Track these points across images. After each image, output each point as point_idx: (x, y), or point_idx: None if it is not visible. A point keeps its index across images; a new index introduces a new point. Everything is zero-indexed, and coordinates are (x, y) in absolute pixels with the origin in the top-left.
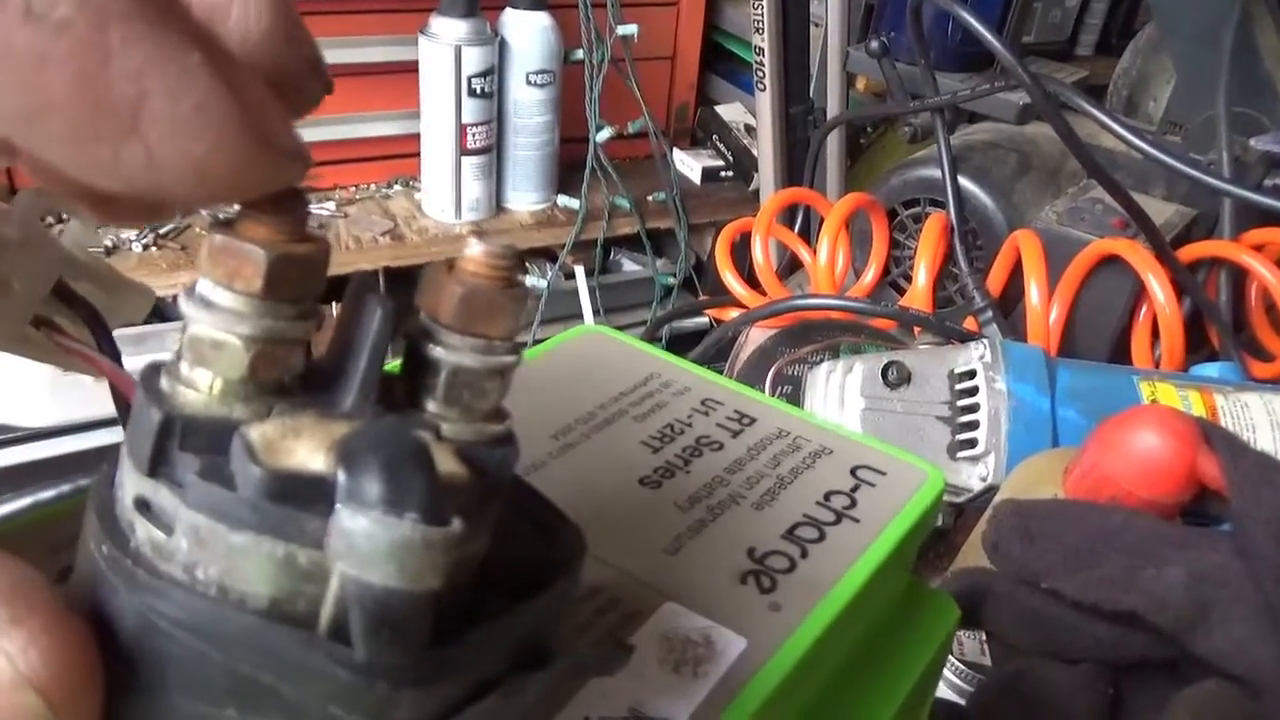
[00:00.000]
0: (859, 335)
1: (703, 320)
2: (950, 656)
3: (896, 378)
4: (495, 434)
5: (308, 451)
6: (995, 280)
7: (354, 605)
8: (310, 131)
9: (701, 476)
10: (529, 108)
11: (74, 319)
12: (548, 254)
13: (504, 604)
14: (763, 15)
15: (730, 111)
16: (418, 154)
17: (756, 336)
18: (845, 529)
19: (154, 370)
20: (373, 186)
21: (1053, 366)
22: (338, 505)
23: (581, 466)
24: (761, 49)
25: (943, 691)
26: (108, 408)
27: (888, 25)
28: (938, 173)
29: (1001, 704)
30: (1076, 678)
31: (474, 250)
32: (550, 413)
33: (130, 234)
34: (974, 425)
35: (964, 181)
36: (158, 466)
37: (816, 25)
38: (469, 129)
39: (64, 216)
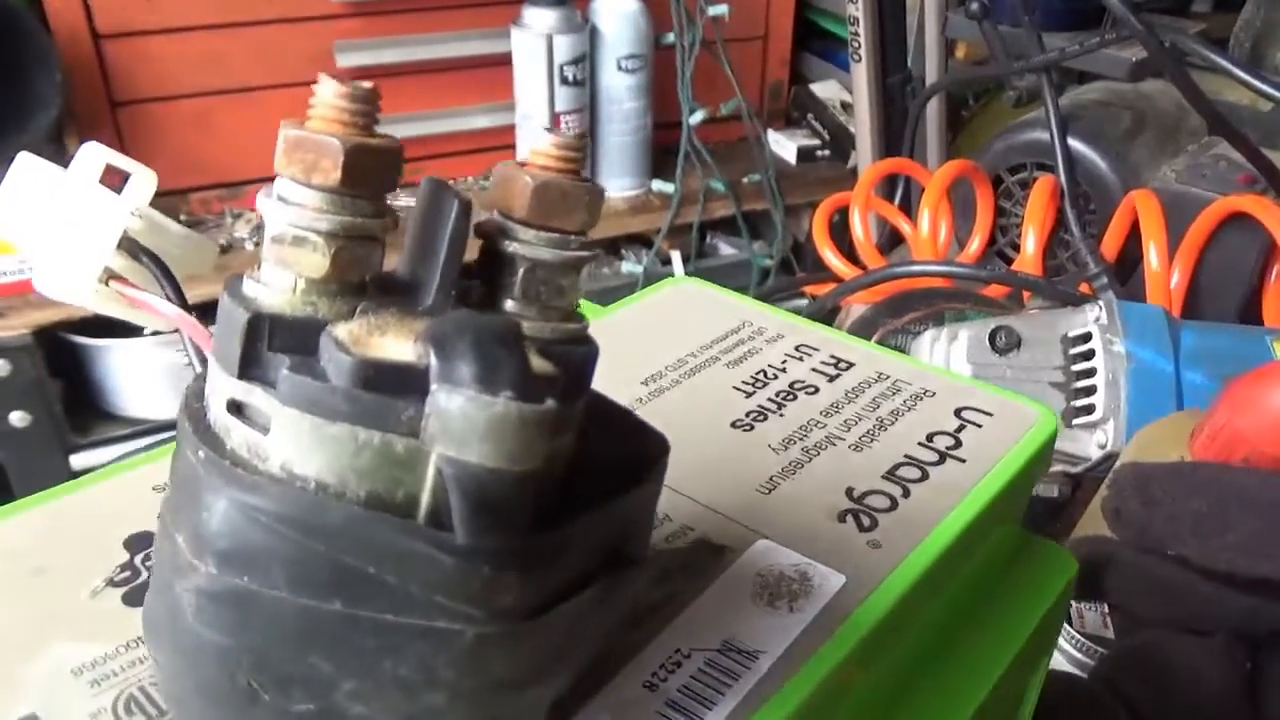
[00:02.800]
0: (964, 303)
1: (802, 301)
2: (1069, 629)
3: (1006, 343)
4: (574, 332)
5: (395, 345)
6: (1110, 245)
7: (453, 488)
8: (407, 127)
9: (796, 419)
10: (621, 93)
11: (142, 273)
12: (644, 240)
13: (594, 506)
14: None
15: (825, 89)
16: (514, 145)
17: (857, 310)
18: (950, 468)
19: (237, 278)
20: (470, 179)
21: (1175, 328)
22: (432, 387)
23: (671, 410)
24: (856, 18)
25: (1062, 665)
26: None
27: None
28: (1045, 135)
29: (1127, 678)
30: (1210, 649)
31: (543, 143)
32: (641, 359)
33: (243, 233)
34: (1091, 390)
35: (1074, 143)
36: (248, 368)
37: None
38: (563, 117)
39: (126, 173)
